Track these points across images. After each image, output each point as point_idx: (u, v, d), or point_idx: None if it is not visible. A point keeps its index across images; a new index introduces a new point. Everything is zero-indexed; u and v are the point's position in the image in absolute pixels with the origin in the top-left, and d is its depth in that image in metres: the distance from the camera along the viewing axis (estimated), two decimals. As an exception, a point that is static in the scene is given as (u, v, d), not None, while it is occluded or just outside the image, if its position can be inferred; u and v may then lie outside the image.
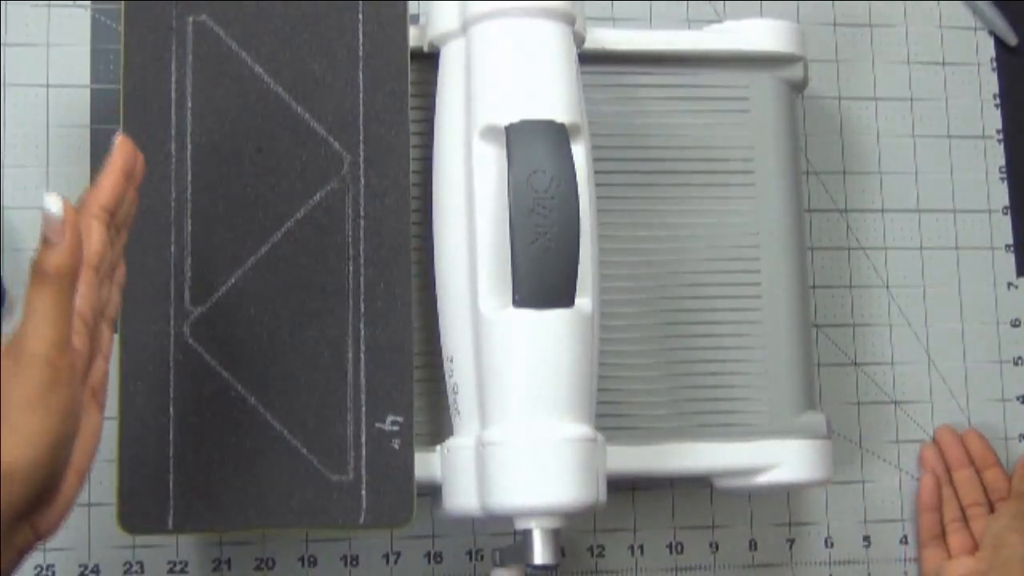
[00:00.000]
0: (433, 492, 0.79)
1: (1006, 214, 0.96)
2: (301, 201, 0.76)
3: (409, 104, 0.78)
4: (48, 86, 0.86)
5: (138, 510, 0.72)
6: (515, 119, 0.73)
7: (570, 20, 0.77)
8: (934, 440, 0.91)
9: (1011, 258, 0.95)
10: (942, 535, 0.89)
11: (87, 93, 0.86)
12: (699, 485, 0.88)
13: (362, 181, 0.76)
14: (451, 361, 0.75)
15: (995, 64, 0.97)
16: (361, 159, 0.77)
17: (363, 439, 0.74)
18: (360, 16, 0.78)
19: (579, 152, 0.75)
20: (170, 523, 0.72)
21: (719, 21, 0.88)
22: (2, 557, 0.55)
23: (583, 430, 0.72)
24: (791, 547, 0.89)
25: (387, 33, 0.78)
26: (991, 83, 0.97)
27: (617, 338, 0.80)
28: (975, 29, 0.98)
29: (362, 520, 0.74)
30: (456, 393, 0.75)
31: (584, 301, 0.73)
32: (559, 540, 0.73)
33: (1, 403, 0.54)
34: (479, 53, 0.76)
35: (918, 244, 0.94)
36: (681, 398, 0.81)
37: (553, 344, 0.72)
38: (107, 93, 0.85)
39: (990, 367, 0.94)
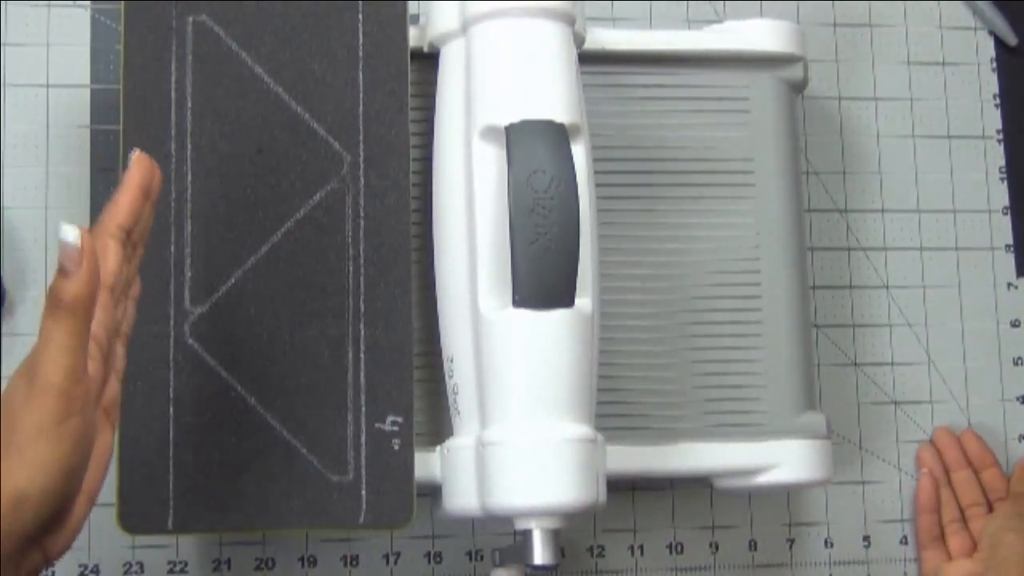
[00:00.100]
0: (433, 492, 0.79)
1: (1006, 214, 0.96)
2: (301, 201, 0.76)
3: (409, 104, 0.77)
4: (48, 86, 0.86)
5: (138, 510, 0.72)
6: (515, 119, 0.73)
7: (570, 20, 0.77)
8: (931, 442, 0.91)
9: (1011, 258, 0.95)
10: (941, 536, 0.89)
11: (87, 93, 0.86)
12: (699, 485, 0.87)
13: (362, 181, 0.76)
14: (451, 361, 0.75)
15: (995, 64, 0.97)
16: (361, 159, 0.77)
17: (363, 439, 0.74)
18: (360, 16, 0.78)
19: (579, 152, 0.74)
20: (170, 523, 0.72)
21: (719, 21, 0.88)
22: None
23: (583, 430, 0.72)
24: (791, 547, 0.89)
25: (387, 33, 0.78)
26: (991, 83, 0.97)
27: (617, 338, 0.80)
28: (975, 29, 0.98)
29: (362, 520, 0.74)
30: (456, 393, 0.75)
31: (584, 301, 0.73)
32: (559, 540, 0.73)
33: (14, 431, 0.53)
34: (479, 53, 0.76)
35: (918, 244, 0.94)
36: (681, 398, 0.81)
37: (553, 344, 0.72)
38: (107, 93, 0.85)
39: (990, 368, 0.94)
